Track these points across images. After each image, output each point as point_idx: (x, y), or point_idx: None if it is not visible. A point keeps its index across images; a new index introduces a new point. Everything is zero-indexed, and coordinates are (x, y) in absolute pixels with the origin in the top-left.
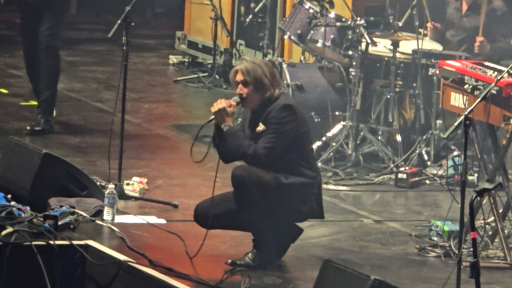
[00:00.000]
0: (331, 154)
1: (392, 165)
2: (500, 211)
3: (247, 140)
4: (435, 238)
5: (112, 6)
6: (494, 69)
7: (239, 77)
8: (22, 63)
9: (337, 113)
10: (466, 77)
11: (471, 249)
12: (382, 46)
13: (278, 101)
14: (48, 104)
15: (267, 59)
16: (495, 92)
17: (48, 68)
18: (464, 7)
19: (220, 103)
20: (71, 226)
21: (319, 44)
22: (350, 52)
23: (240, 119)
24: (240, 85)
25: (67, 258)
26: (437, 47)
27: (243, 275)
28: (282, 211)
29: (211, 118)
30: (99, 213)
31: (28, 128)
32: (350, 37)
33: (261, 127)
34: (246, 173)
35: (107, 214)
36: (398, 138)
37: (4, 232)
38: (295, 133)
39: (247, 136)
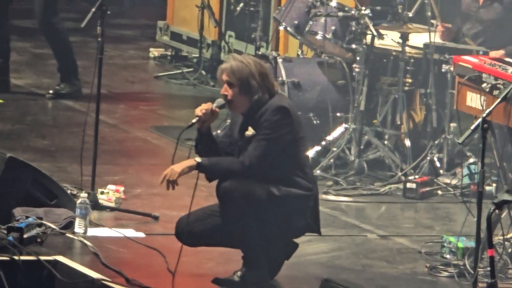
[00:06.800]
0: (332, 160)
1: (400, 174)
2: None
3: (227, 158)
4: (448, 256)
5: None
6: None
7: (224, 77)
8: None
9: (338, 114)
10: (484, 75)
11: (488, 268)
12: (389, 39)
13: (271, 102)
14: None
15: (260, 53)
16: None
17: None
18: None
19: (201, 110)
20: (38, 240)
21: (318, 37)
22: (353, 46)
23: (228, 121)
24: (225, 86)
25: (33, 276)
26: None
27: None
28: (274, 227)
29: (193, 121)
30: (69, 225)
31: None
32: (353, 29)
33: (250, 131)
34: (233, 184)
35: (78, 227)
36: (407, 143)
37: None
38: (290, 139)
39: (235, 141)
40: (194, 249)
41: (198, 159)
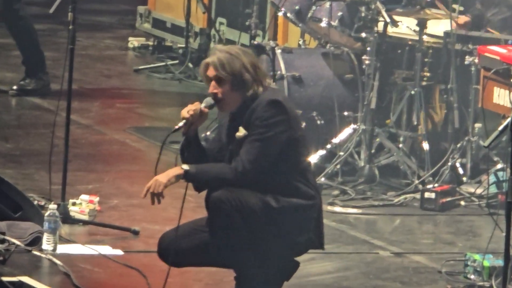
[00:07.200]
0: (338, 166)
1: (417, 182)
2: None
3: (218, 164)
4: (472, 276)
5: None
6: None
7: (211, 73)
8: None
9: (345, 113)
10: None
11: None
12: (405, 27)
13: (263, 97)
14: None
15: (255, 43)
16: None
17: None
18: None
19: (189, 112)
20: (1, 258)
21: (323, 24)
22: (363, 35)
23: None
24: (213, 83)
25: None
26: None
27: None
28: (271, 243)
29: (180, 124)
30: (36, 241)
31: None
32: (363, 15)
33: (241, 132)
34: (224, 194)
35: (47, 243)
36: (425, 146)
37: None
38: (287, 137)
39: (224, 146)
40: (180, 269)
41: (186, 167)
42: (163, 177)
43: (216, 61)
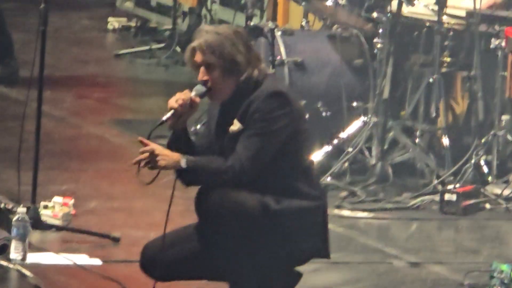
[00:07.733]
0: (346, 164)
1: (435, 182)
2: None
3: (217, 159)
4: None
5: None
6: None
7: (199, 58)
8: None
9: (354, 104)
10: None
11: None
12: (421, 6)
13: (263, 87)
14: None
15: (252, 24)
16: None
17: None
18: None
19: (177, 102)
20: None
21: (329, 2)
22: (374, 15)
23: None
24: (202, 69)
25: None
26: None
27: None
28: (271, 250)
29: (167, 115)
30: (3, 250)
31: None
32: None
33: (236, 125)
34: (219, 196)
35: (15, 251)
36: (445, 141)
37: None
38: (289, 133)
39: (213, 141)
40: (166, 283)
41: (183, 162)
42: (162, 158)
43: (203, 43)
